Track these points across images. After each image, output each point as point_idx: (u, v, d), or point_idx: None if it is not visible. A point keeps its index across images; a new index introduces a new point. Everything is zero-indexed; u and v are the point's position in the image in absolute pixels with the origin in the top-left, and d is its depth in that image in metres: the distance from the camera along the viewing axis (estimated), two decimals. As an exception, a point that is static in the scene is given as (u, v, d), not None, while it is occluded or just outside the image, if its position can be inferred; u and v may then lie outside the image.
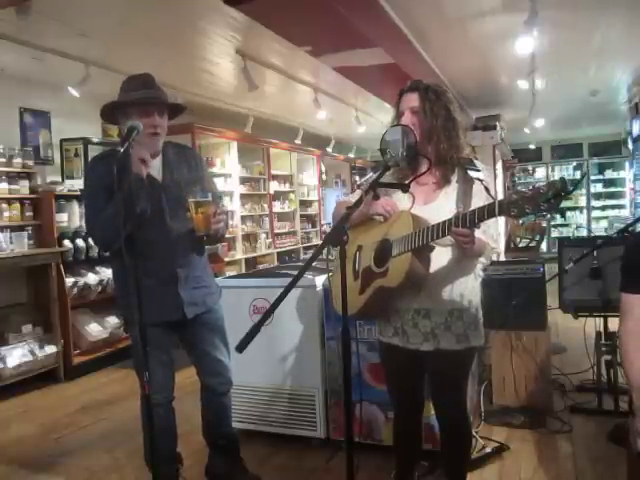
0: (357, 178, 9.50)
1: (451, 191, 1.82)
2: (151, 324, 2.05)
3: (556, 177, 11.23)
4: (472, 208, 1.68)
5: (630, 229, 3.31)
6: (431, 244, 1.68)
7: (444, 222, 1.59)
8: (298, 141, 7.80)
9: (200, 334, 2.32)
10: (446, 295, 1.82)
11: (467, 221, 1.53)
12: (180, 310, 2.21)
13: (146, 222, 2.09)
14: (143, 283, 1.90)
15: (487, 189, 1.69)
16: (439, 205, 1.81)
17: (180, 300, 2.20)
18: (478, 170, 1.78)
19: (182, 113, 2.33)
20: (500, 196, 7.03)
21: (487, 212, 1.48)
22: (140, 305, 1.81)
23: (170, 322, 2.23)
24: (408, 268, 1.69)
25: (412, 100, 1.84)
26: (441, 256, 1.77)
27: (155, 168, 2.18)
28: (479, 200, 1.71)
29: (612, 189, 10.92)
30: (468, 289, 1.86)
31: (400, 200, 1.87)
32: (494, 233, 1.84)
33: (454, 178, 1.83)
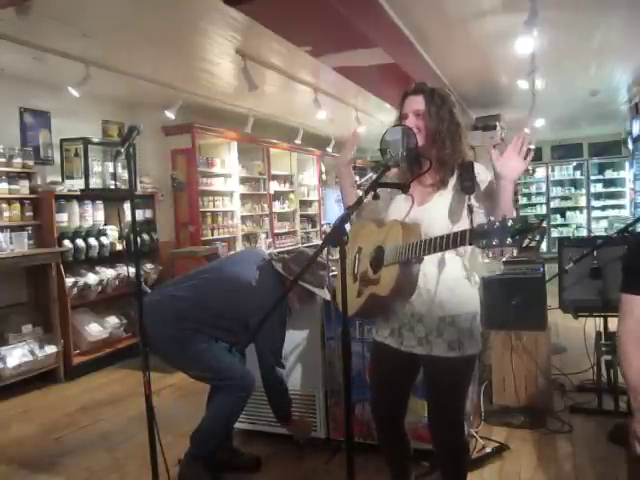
0: (357, 178, 9.49)
1: (446, 194, 1.82)
2: None
3: (556, 177, 11.27)
4: (459, 224, 1.74)
5: (630, 229, 3.31)
6: (420, 257, 1.69)
7: (418, 242, 1.64)
8: (298, 141, 7.79)
9: None
10: (438, 301, 1.80)
11: (440, 246, 1.57)
12: None
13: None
14: None
15: (470, 210, 1.68)
16: (433, 206, 1.82)
17: None
18: (474, 177, 1.76)
19: None
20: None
21: (460, 239, 1.51)
22: (140, 309, 1.81)
23: None
24: (396, 280, 1.71)
25: (417, 103, 1.84)
26: (434, 262, 1.77)
27: None
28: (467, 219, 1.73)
29: (612, 189, 10.89)
30: (463, 295, 1.83)
31: (399, 201, 1.89)
32: None
33: (452, 182, 1.83)
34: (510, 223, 1.36)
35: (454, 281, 1.81)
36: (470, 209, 1.67)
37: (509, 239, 1.36)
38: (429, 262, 1.75)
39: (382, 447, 2.13)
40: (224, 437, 2.61)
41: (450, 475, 2.00)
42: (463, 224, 1.74)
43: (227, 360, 2.54)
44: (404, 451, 2.11)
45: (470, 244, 1.48)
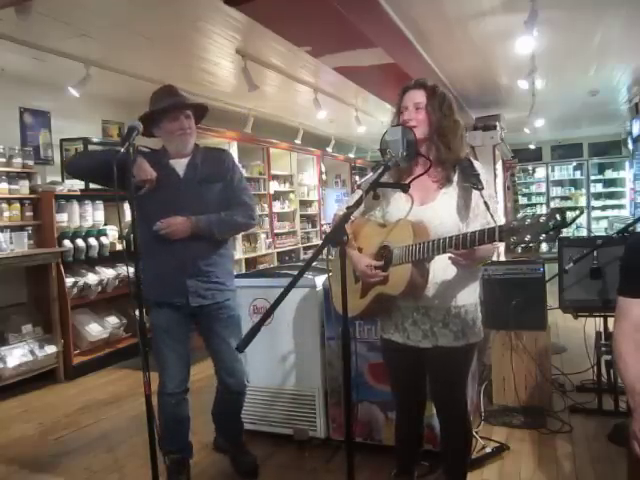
0: (357, 178, 9.50)
1: (451, 191, 1.82)
2: (157, 303, 2.31)
3: (556, 177, 11.27)
4: (470, 219, 1.76)
5: (630, 229, 3.30)
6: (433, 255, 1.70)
7: (444, 240, 1.62)
8: (298, 141, 7.80)
9: (213, 329, 2.41)
10: (446, 293, 1.83)
11: (467, 243, 1.56)
12: (184, 297, 2.32)
13: (162, 212, 2.26)
14: (156, 265, 2.26)
15: (487, 205, 1.67)
16: (439, 205, 1.82)
17: (185, 288, 2.31)
18: (477, 174, 1.77)
19: (206, 113, 2.58)
20: (499, 196, 7.04)
21: (487, 236, 1.50)
22: (140, 309, 1.88)
23: (181, 310, 2.35)
24: (409, 279, 1.72)
25: (418, 96, 1.84)
26: (440, 256, 1.77)
27: (180, 166, 2.38)
28: (477, 213, 1.77)
29: (612, 189, 10.92)
30: (467, 286, 1.87)
31: (398, 200, 1.88)
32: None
33: (455, 179, 1.83)
34: (543, 219, 1.36)
35: (459, 274, 1.83)
36: (486, 205, 1.67)
37: (543, 235, 1.35)
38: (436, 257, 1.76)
39: (397, 446, 2.17)
40: (172, 429, 2.39)
41: (452, 452, 2.05)
42: (473, 221, 1.77)
43: (164, 342, 2.33)
44: (417, 452, 2.17)
45: (500, 240, 1.48)
